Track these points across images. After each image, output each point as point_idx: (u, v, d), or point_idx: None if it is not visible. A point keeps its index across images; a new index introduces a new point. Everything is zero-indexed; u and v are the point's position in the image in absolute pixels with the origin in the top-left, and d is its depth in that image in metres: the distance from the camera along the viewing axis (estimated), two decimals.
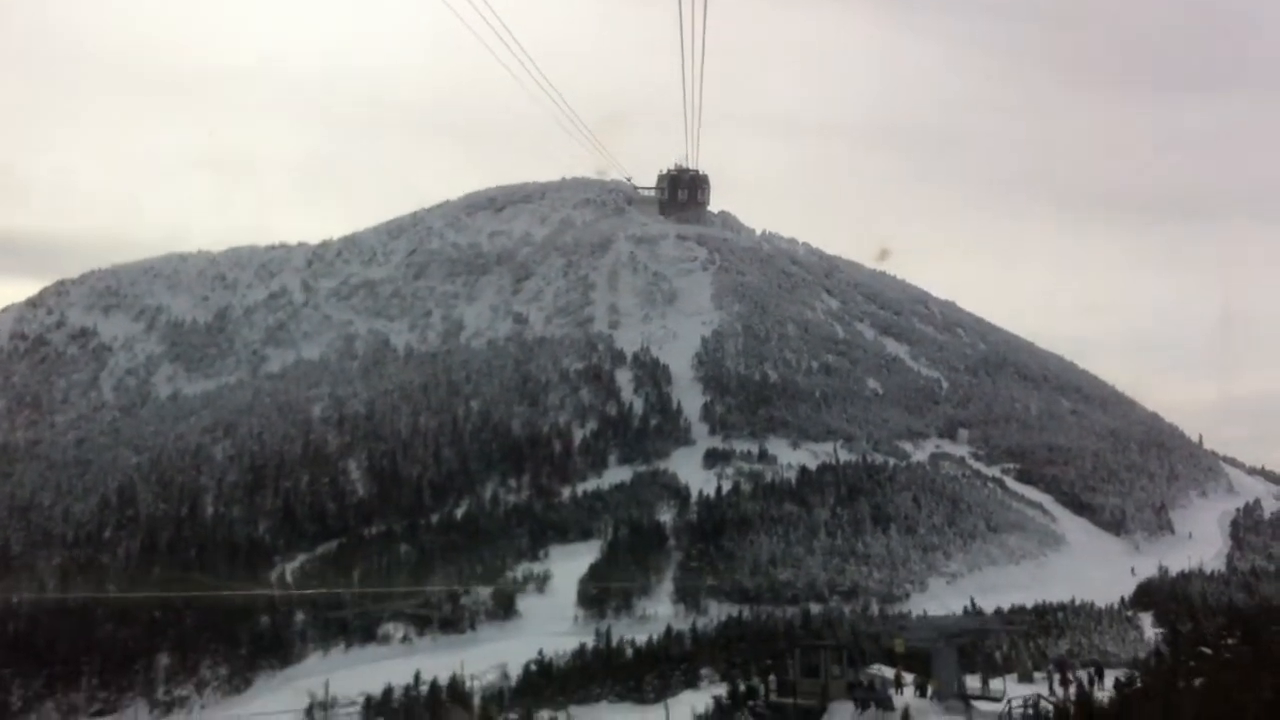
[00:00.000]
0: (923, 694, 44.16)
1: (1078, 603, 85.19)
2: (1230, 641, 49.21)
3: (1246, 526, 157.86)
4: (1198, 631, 54.98)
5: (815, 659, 42.88)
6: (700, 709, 51.40)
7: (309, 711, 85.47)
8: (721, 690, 73.42)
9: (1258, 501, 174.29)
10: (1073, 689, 50.23)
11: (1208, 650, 51.00)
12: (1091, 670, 53.49)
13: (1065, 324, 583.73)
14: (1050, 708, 38.30)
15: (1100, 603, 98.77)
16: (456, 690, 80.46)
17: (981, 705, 39.32)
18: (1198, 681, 26.84)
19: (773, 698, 43.31)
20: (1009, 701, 37.77)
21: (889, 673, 46.78)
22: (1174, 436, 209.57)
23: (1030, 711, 37.78)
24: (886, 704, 40.58)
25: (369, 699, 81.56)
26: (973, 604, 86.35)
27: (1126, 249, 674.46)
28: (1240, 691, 25.90)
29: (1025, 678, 53.74)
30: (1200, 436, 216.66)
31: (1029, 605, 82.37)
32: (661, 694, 72.06)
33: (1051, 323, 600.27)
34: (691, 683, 73.48)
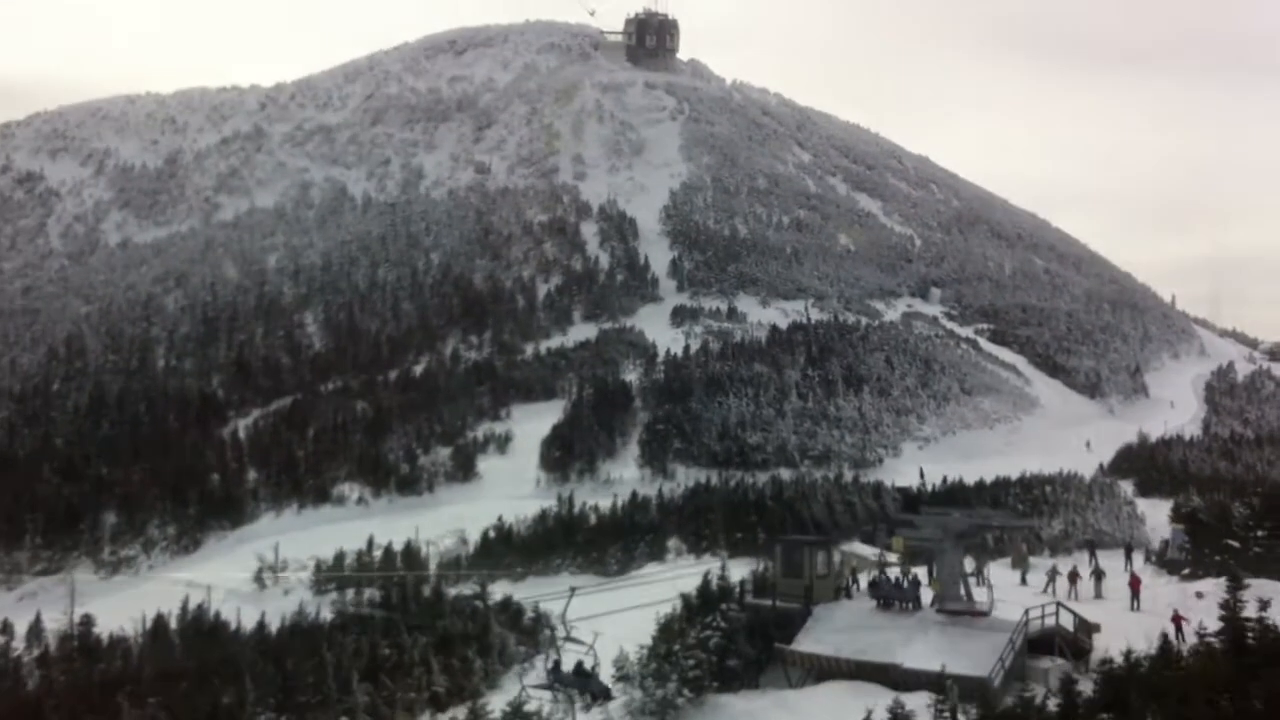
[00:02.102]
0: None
1: (1064, 474, 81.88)
2: (1260, 533, 46.05)
3: (1221, 390, 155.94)
4: (1217, 519, 51.51)
5: (798, 556, 38.16)
6: (669, 595, 47.33)
7: (258, 576, 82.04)
8: (689, 565, 70.65)
9: (1230, 365, 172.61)
10: (1078, 587, 47.01)
11: (1234, 543, 47.81)
12: (1094, 563, 49.45)
13: (1037, 177, 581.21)
14: (1071, 618, 34.68)
15: (1077, 470, 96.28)
16: (411, 555, 76.95)
17: (992, 614, 35.07)
18: None
19: (749, 598, 38.52)
20: (1026, 612, 33.49)
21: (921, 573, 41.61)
22: (1147, 297, 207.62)
23: (1049, 624, 33.95)
24: (917, 604, 36.36)
25: (319, 564, 77.70)
26: (946, 481, 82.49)
27: (1104, 100, 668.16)
28: None
29: (1019, 563, 49.64)
30: (1173, 297, 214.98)
31: (1013, 477, 78.96)
32: (625, 566, 68.74)
33: (1023, 176, 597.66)
34: (657, 555, 70.11)
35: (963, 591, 34.71)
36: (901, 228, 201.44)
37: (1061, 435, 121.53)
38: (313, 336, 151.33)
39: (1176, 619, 36.47)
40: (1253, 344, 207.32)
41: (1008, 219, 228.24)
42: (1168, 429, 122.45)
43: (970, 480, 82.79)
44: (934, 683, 30.72)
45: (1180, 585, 46.92)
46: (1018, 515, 36.12)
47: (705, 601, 36.87)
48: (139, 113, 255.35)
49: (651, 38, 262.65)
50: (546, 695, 31.86)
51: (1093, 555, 57.16)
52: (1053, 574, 47.42)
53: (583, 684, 30.07)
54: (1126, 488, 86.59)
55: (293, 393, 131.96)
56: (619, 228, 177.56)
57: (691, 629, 35.03)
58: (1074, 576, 47.38)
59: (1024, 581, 48.33)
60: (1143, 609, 43.18)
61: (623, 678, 31.80)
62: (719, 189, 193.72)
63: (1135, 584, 45.06)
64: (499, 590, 62.13)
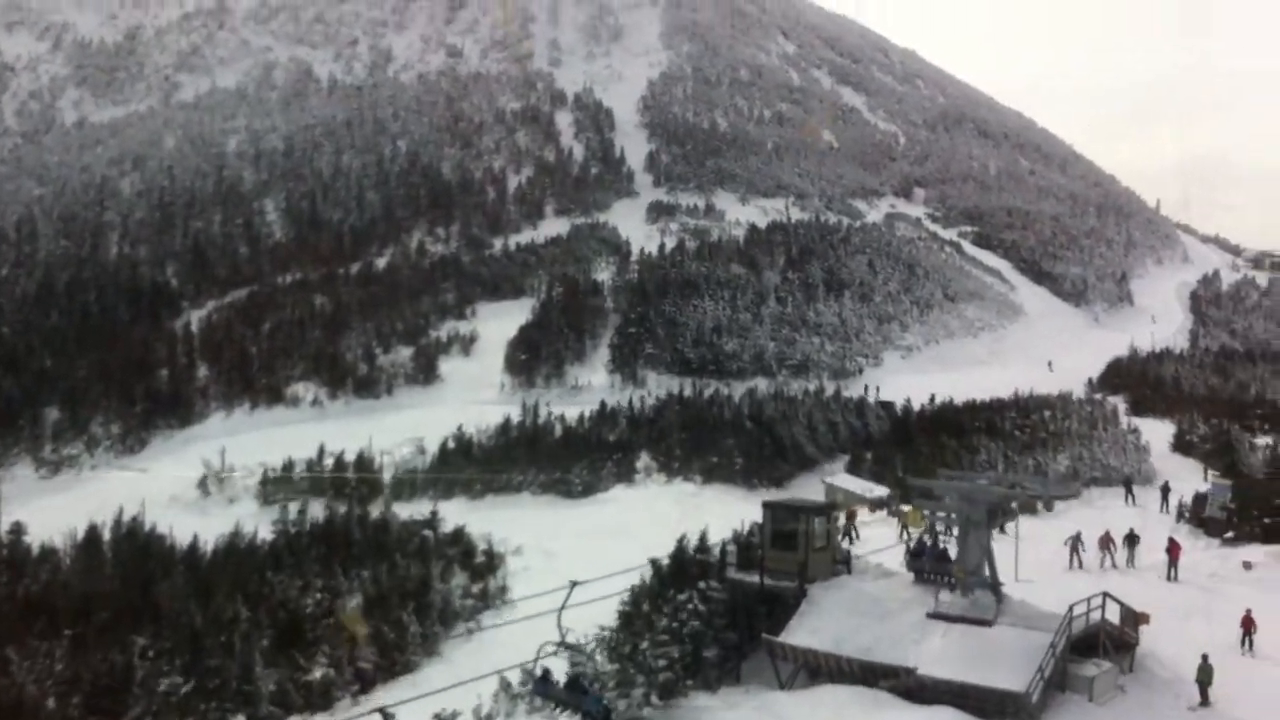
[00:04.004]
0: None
1: (1062, 395, 77.43)
2: None
3: (1207, 300, 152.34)
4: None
5: (791, 524, 31.25)
6: (637, 519, 42.85)
7: (202, 482, 77.50)
8: (658, 484, 66.50)
9: (1216, 273, 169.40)
10: (1110, 559, 41.66)
11: None
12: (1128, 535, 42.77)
13: (1022, 71, 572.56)
14: (1119, 612, 29.32)
15: (1065, 384, 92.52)
16: (364, 467, 72.46)
17: (1027, 603, 29.33)
18: None
19: (731, 572, 31.98)
20: (1070, 610, 27.62)
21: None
22: (1131, 201, 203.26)
23: (1095, 618, 28.25)
24: (991, 587, 29.26)
25: (265, 474, 73.11)
26: (934, 400, 77.74)
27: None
28: None
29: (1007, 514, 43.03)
30: (1158, 201, 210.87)
31: (1004, 395, 74.51)
32: (591, 488, 64.27)
33: (1008, 70, 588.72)
34: (625, 476, 65.50)
35: (987, 573, 28.93)
36: (886, 124, 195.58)
37: (1046, 344, 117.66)
38: (273, 225, 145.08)
39: (1247, 622, 31.66)
40: (1235, 251, 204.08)
41: (994, 117, 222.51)
42: (1155, 341, 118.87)
43: (958, 396, 78.56)
44: (957, 695, 25.83)
45: (1221, 551, 42.15)
46: (1056, 482, 28.56)
47: (680, 572, 31.34)
48: None
49: None
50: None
51: (1129, 493, 52.69)
52: (1074, 543, 41.33)
53: (577, 702, 24.36)
54: (1118, 406, 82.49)
55: (250, 284, 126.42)
56: (594, 118, 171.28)
57: (662, 613, 29.63)
58: (1106, 542, 41.76)
59: (1003, 530, 40.76)
60: (1180, 578, 38.67)
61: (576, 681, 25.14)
62: (699, 80, 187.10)
63: (1174, 550, 39.88)
64: (454, 511, 57.92)
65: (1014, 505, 38.29)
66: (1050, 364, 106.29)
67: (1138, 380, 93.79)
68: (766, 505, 32.21)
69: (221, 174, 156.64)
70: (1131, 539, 42.47)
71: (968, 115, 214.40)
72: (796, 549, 30.49)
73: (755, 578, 31.00)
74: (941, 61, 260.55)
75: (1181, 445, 66.71)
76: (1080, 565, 40.41)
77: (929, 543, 30.47)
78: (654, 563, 31.90)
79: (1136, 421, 74.01)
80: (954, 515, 28.73)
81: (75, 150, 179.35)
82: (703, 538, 33.00)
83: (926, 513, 29.85)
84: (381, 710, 23.35)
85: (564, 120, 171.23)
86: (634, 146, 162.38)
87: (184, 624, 37.13)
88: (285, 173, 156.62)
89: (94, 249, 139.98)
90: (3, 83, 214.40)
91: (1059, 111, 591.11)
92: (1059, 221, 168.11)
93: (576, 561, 37.93)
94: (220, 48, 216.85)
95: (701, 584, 30.63)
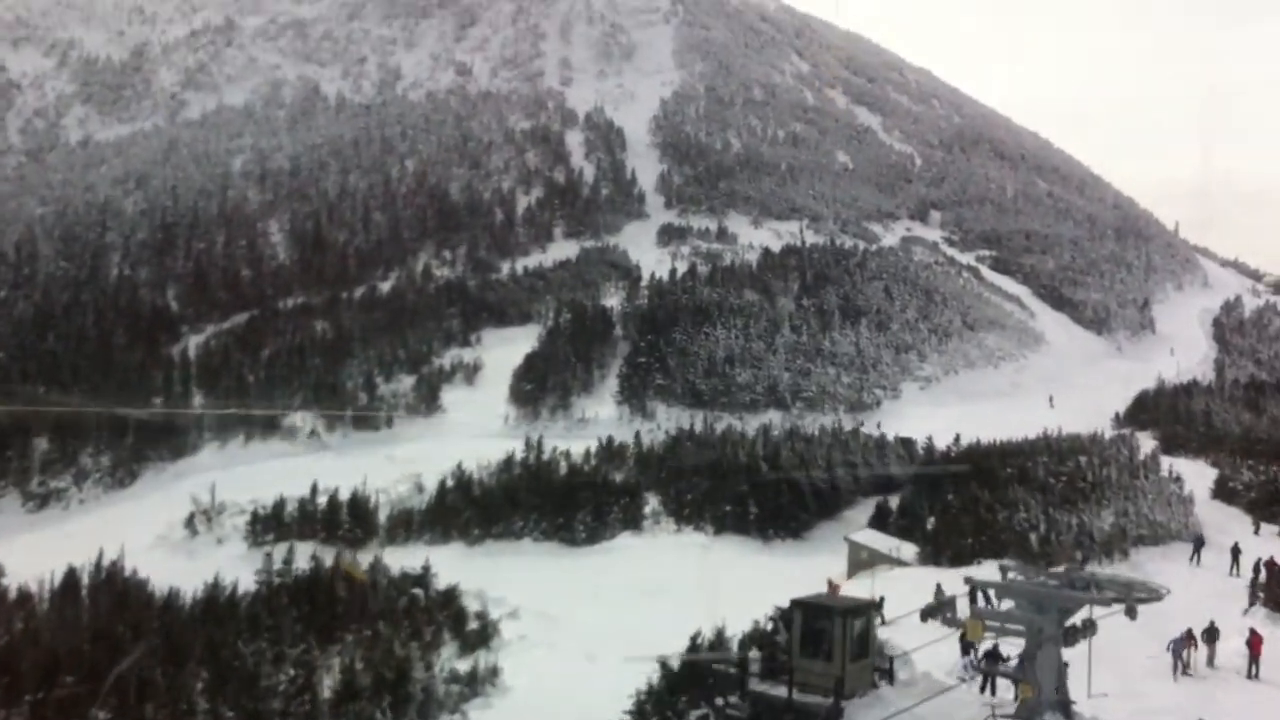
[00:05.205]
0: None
1: (1098, 436, 73.30)
2: None
3: (1230, 327, 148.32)
4: None
5: (825, 627, 26.24)
6: (644, 573, 39.36)
7: (190, 521, 74.39)
8: (667, 532, 62.96)
9: (1238, 299, 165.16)
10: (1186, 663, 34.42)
11: None
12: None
13: (1037, 95, 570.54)
14: None
15: (1092, 418, 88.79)
16: (358, 507, 69.13)
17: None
18: None
19: (754, 684, 26.86)
20: None
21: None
22: (1149, 223, 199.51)
23: None
24: (1061, 708, 23.85)
25: (255, 514, 69.84)
26: (957, 441, 73.84)
27: (1108, 17, 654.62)
28: None
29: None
30: (1176, 224, 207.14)
31: (1033, 436, 70.52)
32: (596, 535, 60.74)
33: (1023, 93, 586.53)
34: (633, 522, 61.85)
35: (1058, 693, 24.07)
36: (901, 145, 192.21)
37: (1070, 375, 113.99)
38: (276, 247, 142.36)
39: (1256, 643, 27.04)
40: (1255, 276, 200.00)
41: (1010, 138, 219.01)
42: (1180, 371, 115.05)
43: (981, 432, 74.68)
44: None
45: None
46: (1141, 584, 22.73)
47: (693, 675, 27.27)
48: (106, 1, 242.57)
49: None
50: None
51: (1196, 554, 48.33)
52: (1179, 645, 34.23)
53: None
54: (1147, 443, 78.54)
55: (251, 307, 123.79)
56: (605, 138, 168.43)
57: None
58: (1187, 641, 34.39)
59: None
60: (1262, 674, 33.63)
61: None
62: (712, 99, 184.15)
63: (1256, 644, 34.09)
64: (450, 559, 54.70)
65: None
66: (1051, 399, 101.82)
67: (1166, 415, 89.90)
68: (796, 604, 27.30)
69: (226, 194, 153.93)
70: (1211, 634, 35.65)
71: (984, 136, 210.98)
72: (831, 658, 25.90)
73: (782, 690, 26.30)
74: (957, 81, 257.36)
75: (1223, 492, 62.38)
76: (1185, 670, 34.38)
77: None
78: (663, 664, 28.02)
79: (1169, 462, 70.04)
80: (1027, 629, 24.21)
81: (79, 169, 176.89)
82: (719, 635, 29.10)
83: (988, 627, 25.06)
84: None
85: (574, 140, 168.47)
86: (645, 167, 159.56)
87: (147, 697, 34.03)
88: (291, 193, 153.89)
89: (94, 270, 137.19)
90: (7, 100, 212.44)
91: (1075, 132, 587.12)
92: (1078, 245, 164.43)
93: (578, 631, 34.62)
94: (228, 65, 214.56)
95: (719, 700, 26.48)
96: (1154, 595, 23.66)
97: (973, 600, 33.25)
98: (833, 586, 40.82)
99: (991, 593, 29.90)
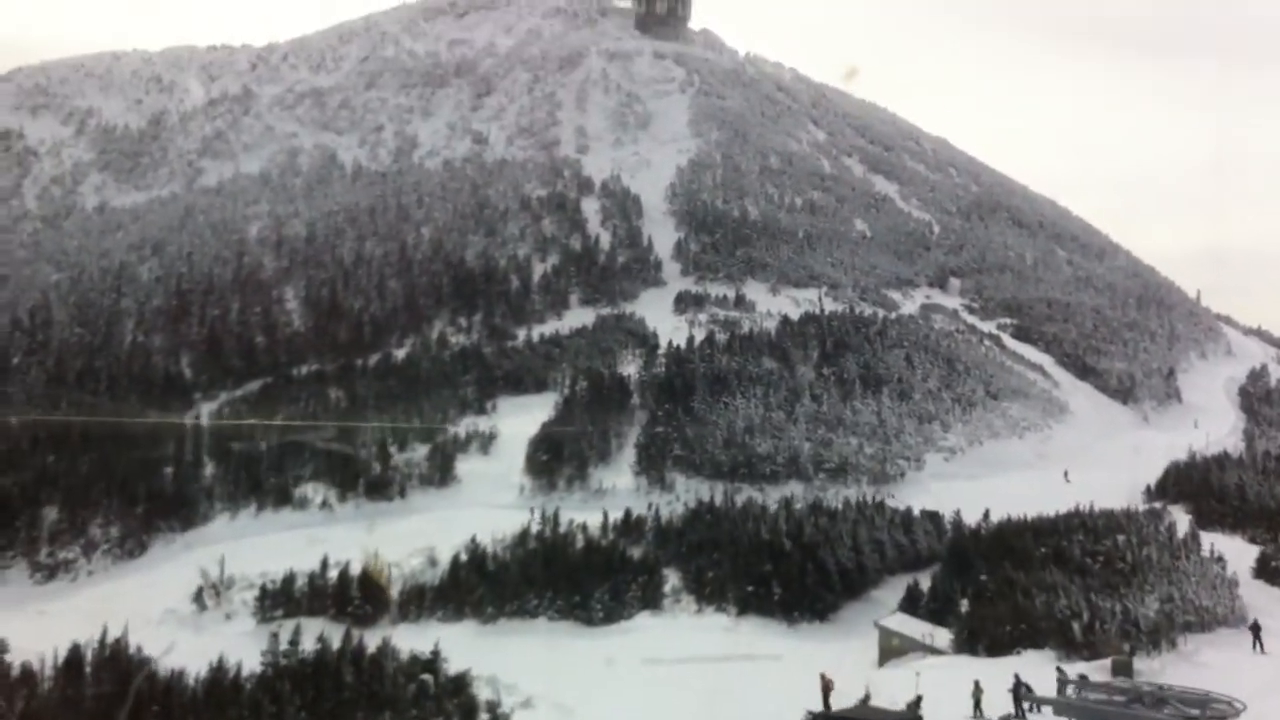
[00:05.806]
0: None
1: (1133, 511, 71.07)
2: None
3: (1257, 396, 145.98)
4: None
5: None
6: (664, 652, 37.36)
7: (198, 595, 72.68)
8: (688, 613, 60.82)
9: (1264, 367, 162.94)
10: None
11: None
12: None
13: (1052, 163, 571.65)
14: None
15: (1122, 491, 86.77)
16: (369, 582, 67.33)
17: None
18: None
19: None
20: None
21: None
22: (1172, 292, 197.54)
23: None
24: None
25: (264, 588, 68.07)
26: (986, 516, 71.65)
27: (1120, 84, 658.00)
28: None
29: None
30: (1198, 293, 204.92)
31: (1065, 510, 68.34)
32: (613, 614, 58.75)
33: (1038, 161, 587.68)
34: (652, 600, 59.91)
35: None
36: (920, 213, 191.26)
37: (1096, 446, 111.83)
38: (292, 314, 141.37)
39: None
40: (1278, 344, 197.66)
41: (1028, 206, 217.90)
42: (1209, 442, 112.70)
43: (1008, 504, 72.66)
44: None
45: None
46: (1215, 701, 20.16)
47: None
48: (125, 70, 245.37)
49: (662, 4, 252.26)
50: None
51: (1257, 640, 45.41)
52: None
53: None
54: (1181, 518, 76.38)
55: (265, 375, 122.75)
56: (622, 205, 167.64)
57: None
58: None
59: None
60: None
61: None
62: (729, 167, 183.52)
63: None
64: (461, 639, 52.76)
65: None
66: (1067, 474, 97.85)
67: (1200, 488, 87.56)
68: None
69: (242, 260, 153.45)
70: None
71: (1002, 204, 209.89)
72: None
73: None
74: (973, 150, 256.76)
75: (1266, 571, 60.04)
76: None
77: None
78: None
79: (1209, 539, 67.78)
80: None
81: (95, 235, 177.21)
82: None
83: None
84: None
85: (590, 207, 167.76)
86: (662, 235, 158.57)
87: None
88: (306, 259, 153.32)
89: (108, 337, 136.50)
90: (25, 167, 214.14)
91: (1091, 200, 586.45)
92: (1100, 314, 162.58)
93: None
94: (245, 133, 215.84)
95: None
96: (1231, 711, 21.65)
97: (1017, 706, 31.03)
98: (825, 680, 38.68)
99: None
